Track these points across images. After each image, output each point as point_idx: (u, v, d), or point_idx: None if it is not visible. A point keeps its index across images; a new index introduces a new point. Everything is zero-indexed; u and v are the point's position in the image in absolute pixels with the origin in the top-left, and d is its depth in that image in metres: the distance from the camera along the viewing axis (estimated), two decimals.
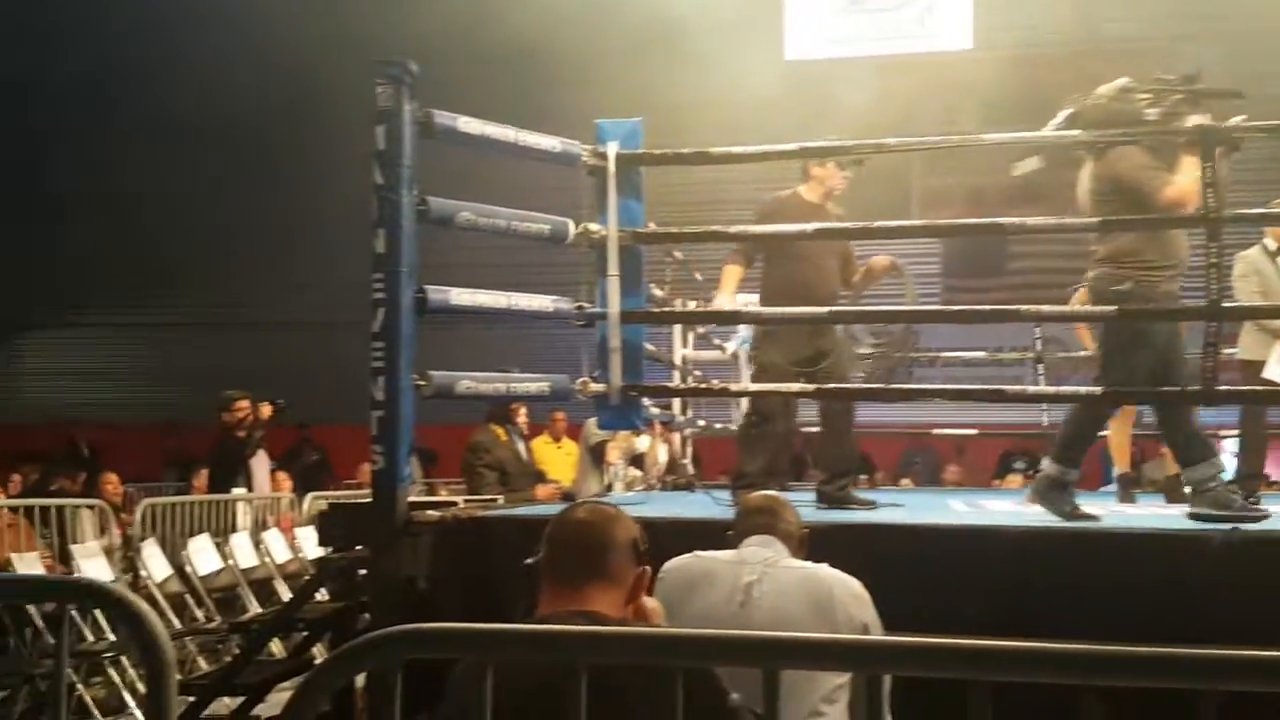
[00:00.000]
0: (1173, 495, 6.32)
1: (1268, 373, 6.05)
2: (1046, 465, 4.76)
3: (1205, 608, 3.65)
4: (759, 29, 12.33)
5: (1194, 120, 4.46)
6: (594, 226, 4.86)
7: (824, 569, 3.07)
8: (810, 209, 5.40)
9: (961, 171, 11.83)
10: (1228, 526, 4.04)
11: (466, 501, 4.98)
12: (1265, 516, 4.45)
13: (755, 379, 5.43)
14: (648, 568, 2.39)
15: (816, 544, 3.29)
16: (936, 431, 11.00)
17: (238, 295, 16.04)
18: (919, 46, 12.17)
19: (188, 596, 7.60)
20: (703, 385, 7.76)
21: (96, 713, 6.35)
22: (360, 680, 2.45)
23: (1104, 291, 4.66)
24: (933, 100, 12.09)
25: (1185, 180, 4.42)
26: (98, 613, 6.10)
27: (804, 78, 12.42)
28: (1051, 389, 5.03)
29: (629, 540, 2.35)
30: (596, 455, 8.28)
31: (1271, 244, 6.31)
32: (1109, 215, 4.61)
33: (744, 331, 8.51)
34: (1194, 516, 4.44)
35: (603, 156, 4.84)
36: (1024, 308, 4.91)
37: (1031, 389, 4.99)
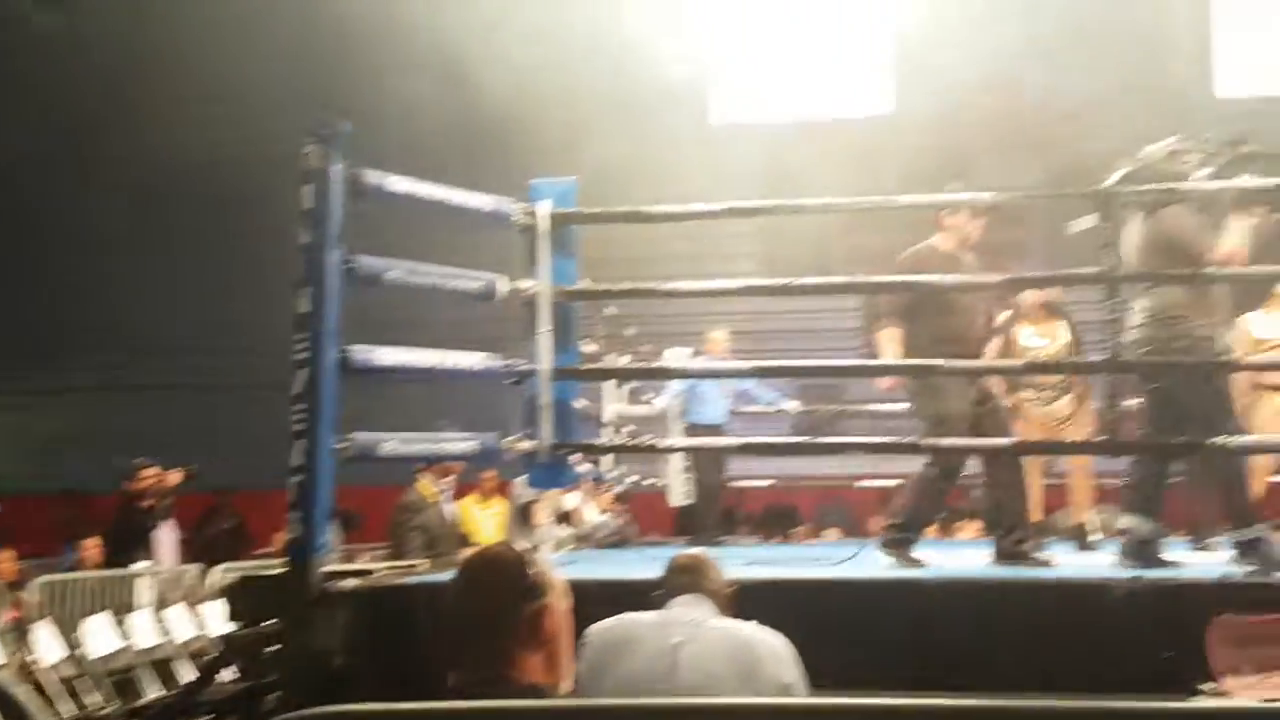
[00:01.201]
0: (1083, 543, 6.46)
1: None
2: (1126, 521, 4.81)
3: (1124, 655, 3.73)
4: (684, 95, 12.53)
5: (1243, 180, 4.64)
6: (524, 284, 4.90)
7: (748, 627, 3.10)
8: (946, 259, 5.30)
9: (885, 231, 12.01)
10: (1131, 575, 4.14)
11: (388, 568, 4.84)
12: None
13: (932, 432, 5.13)
14: (546, 602, 2.20)
15: (746, 600, 3.31)
16: (858, 484, 11.11)
17: (150, 357, 15.42)
18: (842, 111, 12.43)
19: (80, 681, 7.20)
20: (633, 442, 7.80)
21: None
22: None
23: (1148, 346, 4.72)
24: (856, 163, 12.36)
25: (1234, 239, 4.58)
26: None
27: (728, 141, 12.66)
28: (976, 441, 5.09)
29: (524, 589, 2.18)
30: (524, 515, 8.23)
31: None
32: (1158, 270, 4.70)
33: (675, 386, 8.59)
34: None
35: (533, 215, 4.90)
36: (950, 363, 4.99)
37: (962, 441, 5.10)
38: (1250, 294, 6.40)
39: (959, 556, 5.72)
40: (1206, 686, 3.55)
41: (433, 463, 7.96)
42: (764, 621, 3.12)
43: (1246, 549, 4.54)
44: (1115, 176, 4.80)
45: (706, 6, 12.34)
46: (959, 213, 5.32)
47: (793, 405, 9.25)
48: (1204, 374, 4.69)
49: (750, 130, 12.65)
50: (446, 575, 4.65)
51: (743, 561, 4.89)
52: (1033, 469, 6.69)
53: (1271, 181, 4.56)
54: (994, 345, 6.30)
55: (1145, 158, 4.80)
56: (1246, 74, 11.32)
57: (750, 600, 3.33)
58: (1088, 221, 5.05)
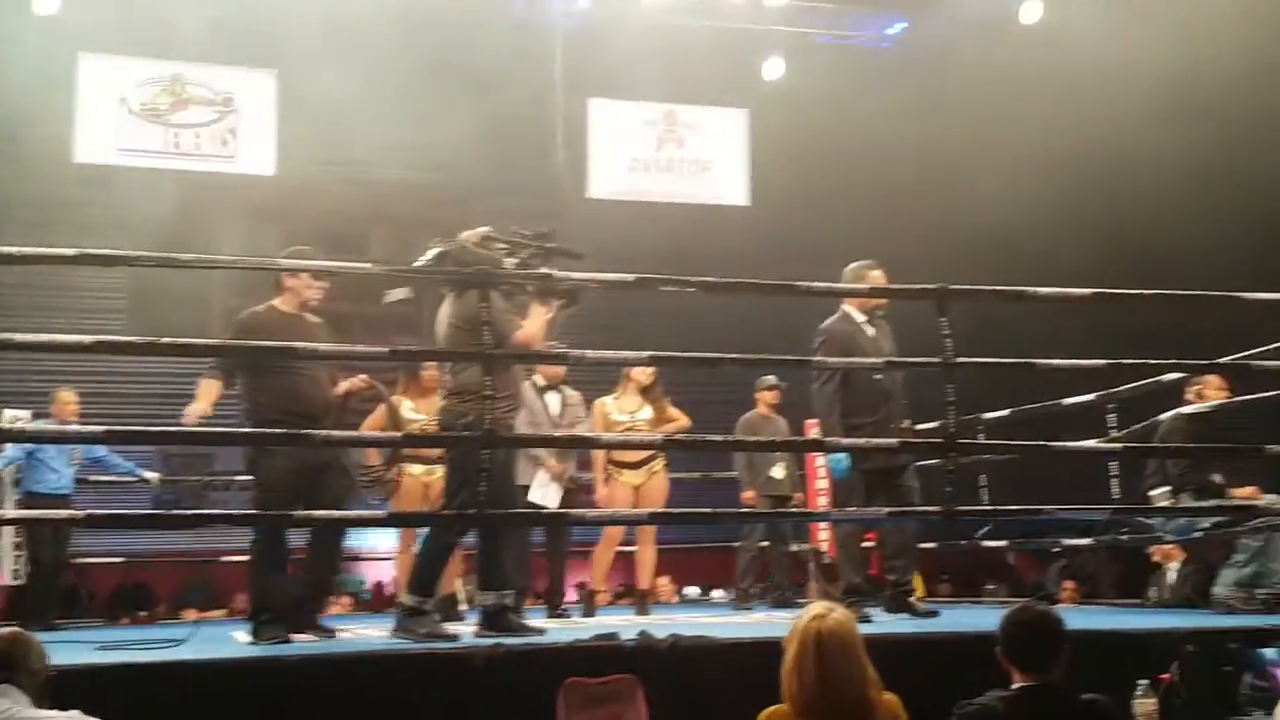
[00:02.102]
0: (450, 614, 6.57)
1: (532, 496, 6.62)
2: (403, 597, 4.93)
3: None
4: (49, 130, 11.44)
5: (546, 272, 4.91)
6: None
7: (68, 717, 2.72)
8: (287, 320, 5.28)
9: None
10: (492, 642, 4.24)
11: None
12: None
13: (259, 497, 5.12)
14: None
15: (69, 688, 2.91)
16: (224, 559, 10.52)
17: None
18: (222, 167, 11.95)
19: None
20: None
21: None
22: None
23: (451, 424, 4.88)
24: (236, 221, 11.92)
25: (532, 324, 4.82)
26: None
27: (93, 182, 11.71)
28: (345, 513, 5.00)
29: None
30: None
31: (540, 380, 6.93)
32: (466, 349, 4.82)
33: (10, 451, 7.64)
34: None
35: None
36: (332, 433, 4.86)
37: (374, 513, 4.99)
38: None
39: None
40: None
41: None
42: (90, 710, 2.75)
43: (404, 617, 4.81)
44: (429, 255, 4.98)
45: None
46: (301, 275, 5.35)
47: (153, 476, 8.58)
48: (490, 449, 4.82)
49: (121, 173, 11.77)
50: None
51: (83, 645, 4.48)
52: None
53: (573, 275, 4.98)
54: (376, 415, 6.34)
55: (461, 241, 5.01)
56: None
57: (74, 688, 2.93)
58: (401, 293, 5.44)
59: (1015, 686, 3.26)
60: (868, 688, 3.02)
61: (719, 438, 6.62)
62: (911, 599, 5.97)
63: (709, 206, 12.51)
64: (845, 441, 5.70)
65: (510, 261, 4.99)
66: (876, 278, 5.84)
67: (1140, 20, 10.12)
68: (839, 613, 3.15)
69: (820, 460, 9.44)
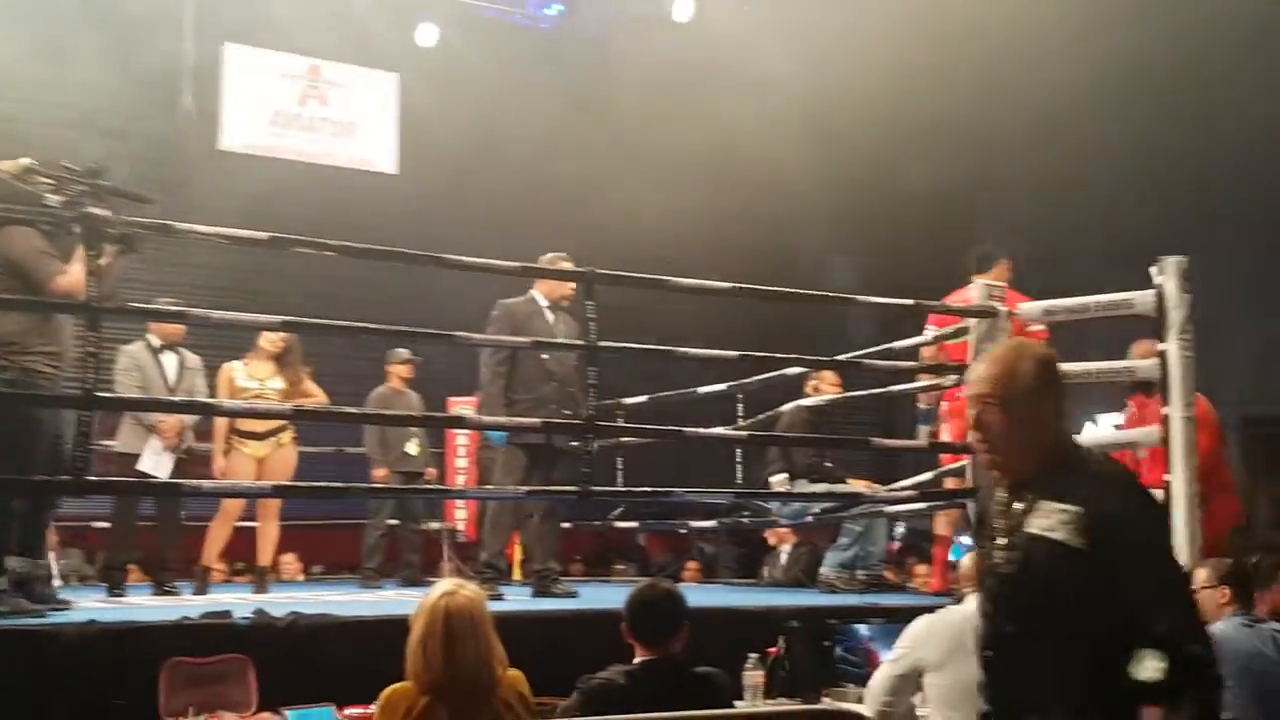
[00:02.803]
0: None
1: (142, 465, 6.22)
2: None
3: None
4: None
5: (94, 212, 4.28)
6: None
7: None
8: None
9: None
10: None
11: None
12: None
13: None
14: None
15: None
16: None
17: None
18: None
19: None
20: None
21: None
22: None
23: None
24: None
25: (76, 270, 4.28)
26: None
27: None
28: None
29: None
30: None
31: (155, 340, 6.49)
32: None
33: None
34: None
35: None
36: None
37: None
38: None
39: None
40: None
41: None
42: None
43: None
44: None
45: None
46: None
47: None
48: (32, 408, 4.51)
49: None
50: None
51: None
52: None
53: (200, 228, 4.44)
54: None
55: None
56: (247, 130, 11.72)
57: None
58: None
59: (637, 661, 3.33)
60: (493, 665, 2.99)
61: (351, 409, 6.33)
62: (554, 582, 6.00)
63: (354, 171, 12.03)
64: (487, 419, 5.68)
65: (56, 199, 4.38)
66: (566, 267, 5.84)
67: (785, 25, 10.68)
68: (469, 589, 3.10)
69: (462, 437, 9.41)
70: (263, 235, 4.55)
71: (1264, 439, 9.71)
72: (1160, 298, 5.12)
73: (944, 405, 6.32)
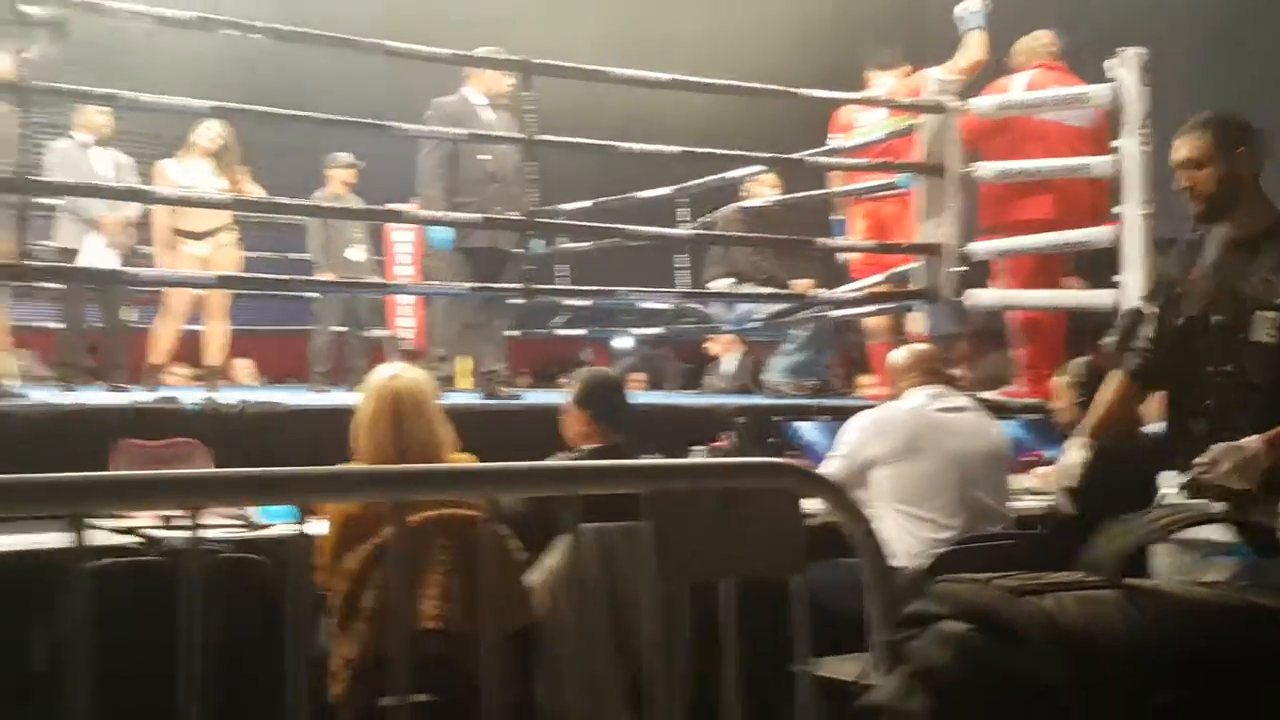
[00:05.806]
0: None
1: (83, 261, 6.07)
2: None
3: None
4: None
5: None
6: None
7: None
8: None
9: None
10: None
11: None
12: None
13: None
14: None
15: None
16: None
17: None
18: None
19: None
20: None
21: None
22: None
23: None
24: None
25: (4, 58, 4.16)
26: None
27: None
28: None
29: None
30: None
31: (84, 135, 6.26)
32: None
33: None
34: None
35: None
36: None
37: None
38: None
39: None
40: None
41: None
42: None
43: None
44: None
45: None
46: None
47: None
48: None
49: None
50: None
51: None
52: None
53: None
54: None
55: None
56: None
57: None
58: None
59: (586, 448, 3.38)
60: (441, 444, 3.00)
61: (289, 200, 6.11)
62: (502, 384, 5.98)
63: None
64: (425, 214, 5.57)
65: None
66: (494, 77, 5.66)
67: None
68: (415, 372, 3.12)
69: (403, 243, 9.25)
70: (189, 15, 4.37)
71: None
72: (1117, 91, 4.97)
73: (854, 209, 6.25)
